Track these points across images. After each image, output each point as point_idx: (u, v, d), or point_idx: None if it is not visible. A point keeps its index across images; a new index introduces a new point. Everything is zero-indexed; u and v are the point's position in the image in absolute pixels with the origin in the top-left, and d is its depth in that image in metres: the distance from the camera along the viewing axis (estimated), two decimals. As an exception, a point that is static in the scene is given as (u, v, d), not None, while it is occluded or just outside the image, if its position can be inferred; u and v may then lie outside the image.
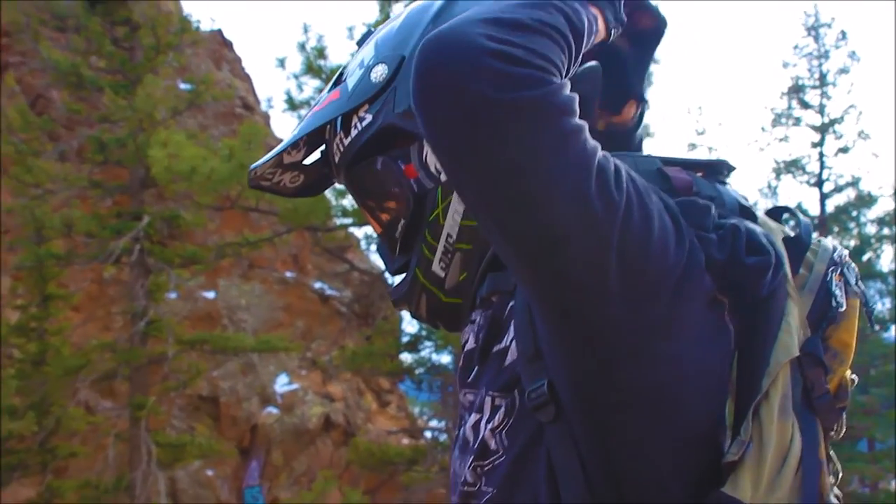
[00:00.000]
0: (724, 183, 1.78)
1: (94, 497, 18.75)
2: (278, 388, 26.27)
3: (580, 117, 1.65)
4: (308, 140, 1.89)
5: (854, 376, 1.74)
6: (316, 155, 1.93)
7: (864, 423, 27.78)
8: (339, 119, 1.82)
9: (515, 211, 1.38)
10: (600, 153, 1.41)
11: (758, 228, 1.65)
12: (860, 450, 29.40)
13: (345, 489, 18.80)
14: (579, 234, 1.38)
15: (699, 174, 1.77)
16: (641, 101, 1.93)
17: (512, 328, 1.69)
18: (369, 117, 1.77)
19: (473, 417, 1.74)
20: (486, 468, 1.68)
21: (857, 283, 1.75)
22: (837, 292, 1.70)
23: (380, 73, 1.76)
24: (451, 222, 1.78)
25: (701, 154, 32.62)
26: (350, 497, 16.97)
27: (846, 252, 1.78)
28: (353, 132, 1.80)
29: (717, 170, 1.80)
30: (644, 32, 1.89)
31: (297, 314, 27.06)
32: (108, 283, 24.34)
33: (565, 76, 1.41)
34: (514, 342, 1.67)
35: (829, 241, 1.78)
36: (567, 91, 1.36)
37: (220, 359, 22.47)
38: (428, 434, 22.26)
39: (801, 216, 1.79)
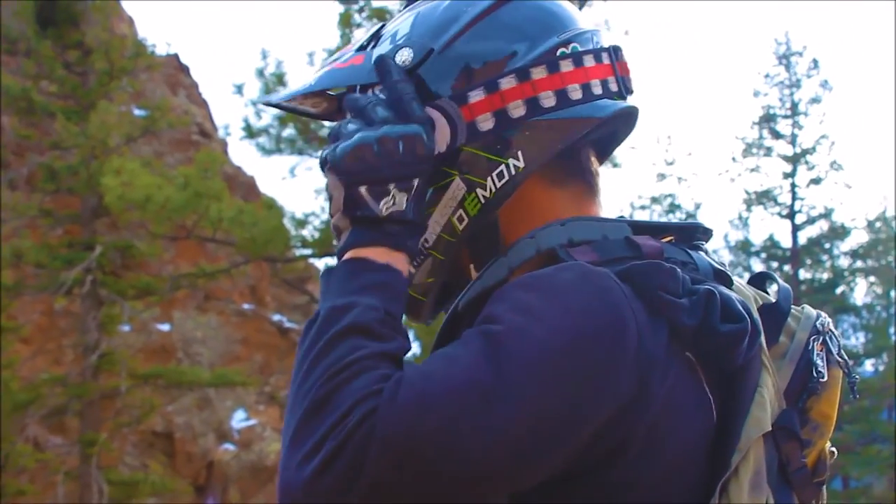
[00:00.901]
0: (698, 248, 1.74)
1: (43, 536, 18.65)
2: (235, 423, 26.21)
3: (603, 156, 1.85)
4: None
5: (833, 449, 1.71)
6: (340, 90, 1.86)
7: (839, 460, 27.84)
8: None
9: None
10: (460, 374, 1.38)
11: (733, 295, 1.60)
12: (834, 488, 29.58)
13: (304, 529, 18.71)
14: (515, 475, 1.41)
15: (669, 239, 1.72)
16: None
17: None
18: (383, 96, 1.71)
19: None
20: None
21: (839, 353, 1.70)
22: (819, 362, 1.66)
23: (405, 57, 1.70)
24: (431, 228, 1.74)
25: (670, 185, 32.79)
26: (309, 537, 16.89)
27: (829, 321, 1.73)
28: (369, 99, 1.71)
29: (690, 234, 1.76)
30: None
31: (255, 347, 27.04)
32: (59, 314, 24.20)
33: (393, 365, 1.42)
34: None
35: (812, 309, 1.74)
36: (396, 407, 1.34)
37: (174, 393, 22.43)
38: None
39: (781, 282, 1.76)
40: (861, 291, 39.37)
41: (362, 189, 1.55)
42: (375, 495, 1.32)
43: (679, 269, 1.56)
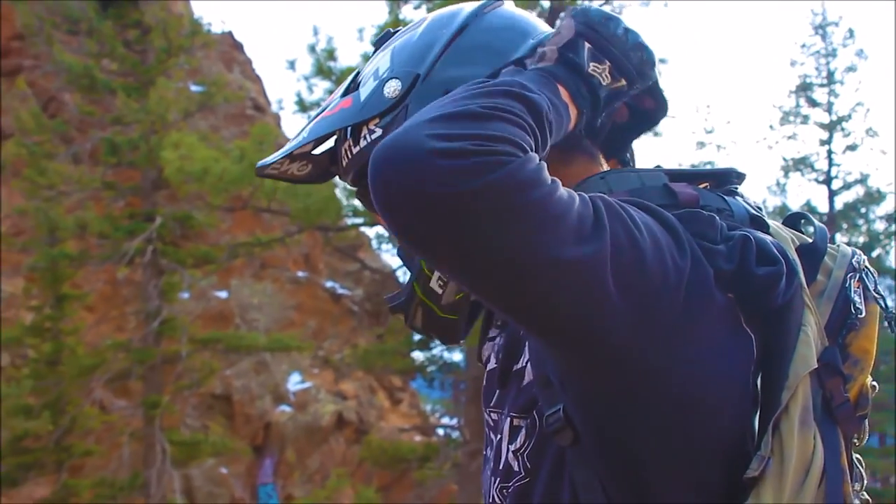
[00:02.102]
0: (733, 193, 1.77)
1: (109, 495, 18.80)
2: (291, 386, 26.27)
3: (592, 134, 1.84)
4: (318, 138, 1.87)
5: (874, 383, 1.72)
6: (324, 148, 1.91)
7: (875, 418, 27.74)
8: (350, 128, 1.82)
9: (502, 291, 1.42)
10: (577, 202, 1.41)
11: (769, 238, 1.64)
12: (871, 445, 29.35)
13: (358, 487, 18.79)
14: (572, 290, 1.40)
15: (706, 185, 1.78)
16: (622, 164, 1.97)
17: (527, 349, 1.71)
18: (379, 131, 1.77)
19: (496, 438, 1.76)
20: (510, 489, 1.69)
21: (875, 289, 1.73)
22: (857, 299, 1.68)
23: (393, 88, 1.76)
24: None
25: (710, 153, 32.57)
26: (363, 494, 16.94)
27: (865, 258, 1.75)
28: (363, 143, 1.80)
29: (726, 179, 1.80)
30: (644, 111, 1.91)
31: (309, 313, 27.03)
32: (122, 283, 24.33)
33: (534, 150, 1.42)
34: (529, 363, 1.69)
35: (848, 247, 1.75)
36: (530, 165, 1.36)
37: (233, 358, 22.46)
38: (440, 431, 22.23)
39: (817, 223, 1.78)
40: (897, 255, 38.94)
41: (586, 44, 1.62)
42: (472, 204, 1.32)
43: (717, 217, 1.60)
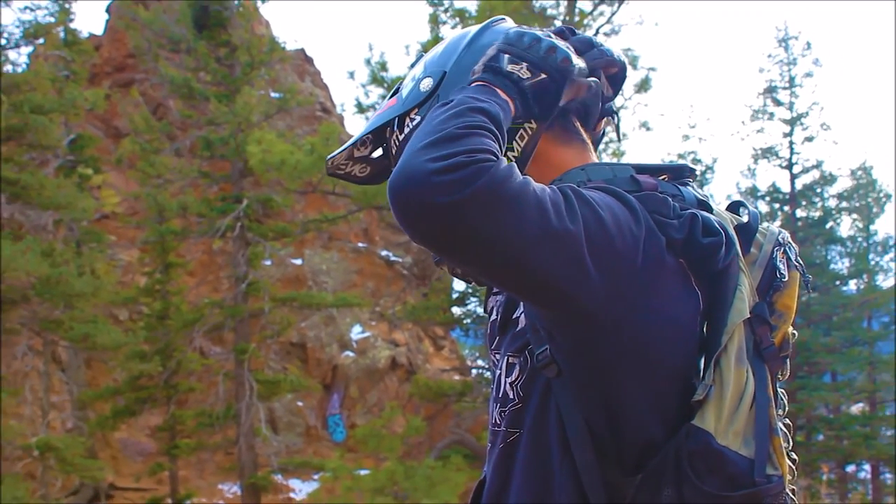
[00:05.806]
0: (686, 184, 1.82)
1: (208, 423, 19.11)
2: (354, 335, 26.34)
3: (585, 124, 1.90)
4: (373, 139, 1.94)
5: (794, 332, 1.80)
6: (380, 151, 1.96)
7: (828, 359, 27.78)
8: (396, 120, 1.87)
9: (503, 272, 1.52)
10: (549, 191, 1.50)
11: (712, 217, 1.70)
12: (825, 381, 29.35)
13: (408, 416, 18.79)
14: (559, 261, 1.49)
15: (664, 177, 1.82)
16: (611, 115, 2.01)
17: (522, 304, 1.79)
18: (418, 118, 1.82)
19: (497, 373, 1.82)
20: (506, 412, 1.77)
21: (796, 260, 1.82)
22: (781, 267, 1.77)
23: (427, 84, 1.82)
24: None
25: (693, 144, 32.36)
26: (412, 423, 16.92)
27: (788, 235, 1.84)
28: (406, 129, 1.85)
29: (680, 173, 1.85)
30: (613, 76, 1.93)
31: (368, 277, 27.09)
32: (216, 253, 24.45)
33: (500, 150, 1.51)
34: (522, 314, 1.77)
35: (775, 227, 1.83)
36: (503, 165, 1.45)
37: (306, 313, 22.49)
38: (474, 372, 22.21)
39: (751, 208, 1.85)
40: (846, 226, 38.61)
41: (506, 55, 1.68)
42: (469, 206, 1.41)
43: (670, 199, 1.69)
